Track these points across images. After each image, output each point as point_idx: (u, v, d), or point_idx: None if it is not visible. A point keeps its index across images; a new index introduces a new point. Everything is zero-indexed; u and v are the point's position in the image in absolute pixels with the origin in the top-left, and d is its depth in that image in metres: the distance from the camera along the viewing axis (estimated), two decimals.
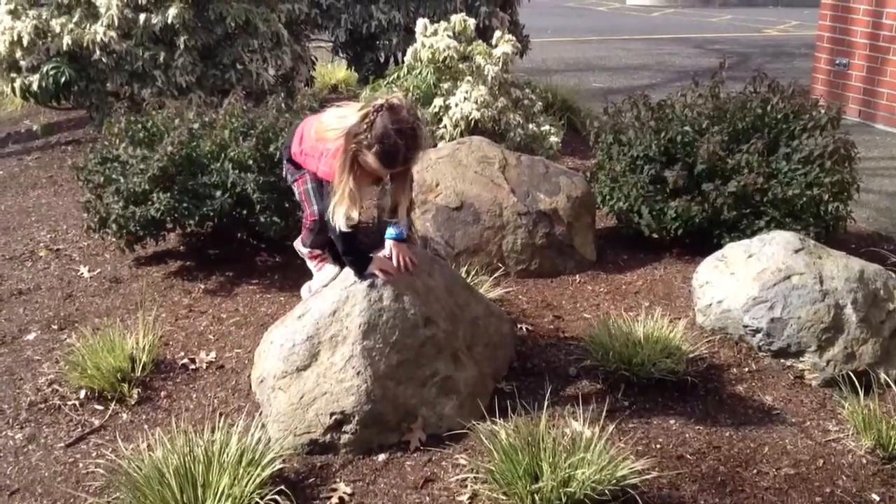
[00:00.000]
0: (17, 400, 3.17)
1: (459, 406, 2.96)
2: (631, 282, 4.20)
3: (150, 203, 3.98)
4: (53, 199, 5.46)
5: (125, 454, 2.66)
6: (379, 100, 2.67)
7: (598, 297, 4.03)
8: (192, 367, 3.38)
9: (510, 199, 4.21)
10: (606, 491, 2.47)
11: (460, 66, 5.49)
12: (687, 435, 2.96)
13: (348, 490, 2.65)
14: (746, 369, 3.37)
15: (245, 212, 4.14)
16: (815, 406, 3.17)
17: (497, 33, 5.77)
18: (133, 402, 3.13)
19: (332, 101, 3.07)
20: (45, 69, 5.83)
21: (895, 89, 7.35)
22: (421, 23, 5.60)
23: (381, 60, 7.78)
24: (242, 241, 4.50)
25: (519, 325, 3.65)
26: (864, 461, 2.86)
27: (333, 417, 2.81)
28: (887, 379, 3.25)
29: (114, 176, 4.10)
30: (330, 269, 3.19)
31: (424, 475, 2.72)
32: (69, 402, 3.13)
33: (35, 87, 5.88)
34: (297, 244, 3.34)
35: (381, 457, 2.82)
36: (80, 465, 2.80)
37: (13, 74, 6.02)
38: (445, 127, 5.30)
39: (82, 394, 3.15)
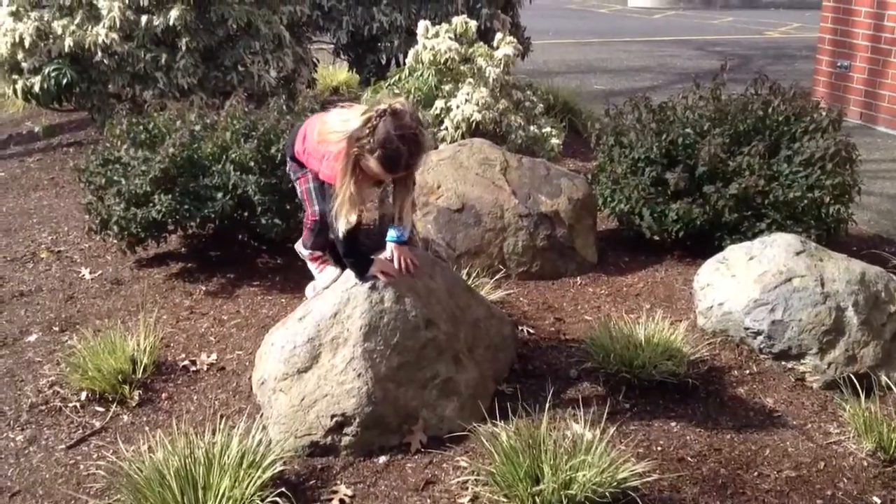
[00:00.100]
0: (18, 401, 3.17)
1: (460, 408, 2.95)
2: (632, 284, 4.20)
3: (151, 205, 3.99)
4: (55, 201, 5.46)
5: (126, 456, 2.67)
6: (382, 104, 2.65)
7: (600, 299, 4.03)
8: (193, 368, 3.38)
9: (511, 201, 4.21)
10: (607, 493, 2.47)
11: (461, 67, 5.49)
12: (688, 437, 2.96)
13: (349, 492, 2.65)
14: (747, 371, 3.37)
15: (246, 213, 4.14)
16: (816, 408, 3.17)
17: (498, 35, 5.78)
18: (134, 404, 3.13)
19: (333, 103, 3.06)
20: (46, 71, 5.84)
21: None
22: (422, 25, 5.60)
23: (383, 62, 7.78)
24: (243, 242, 4.50)
25: (520, 327, 3.65)
26: (865, 464, 2.86)
27: (334, 419, 2.81)
28: (888, 381, 3.25)
29: (115, 178, 4.10)
30: (331, 271, 3.19)
31: (425, 477, 2.72)
32: (70, 404, 3.13)
33: (37, 88, 5.89)
34: (298, 246, 3.34)
35: (382, 459, 2.82)
36: (81, 466, 2.80)
37: (15, 76, 6.02)
38: (447, 129, 5.30)
39: (83, 395, 3.15)
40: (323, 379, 2.86)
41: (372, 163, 2.67)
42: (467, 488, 2.63)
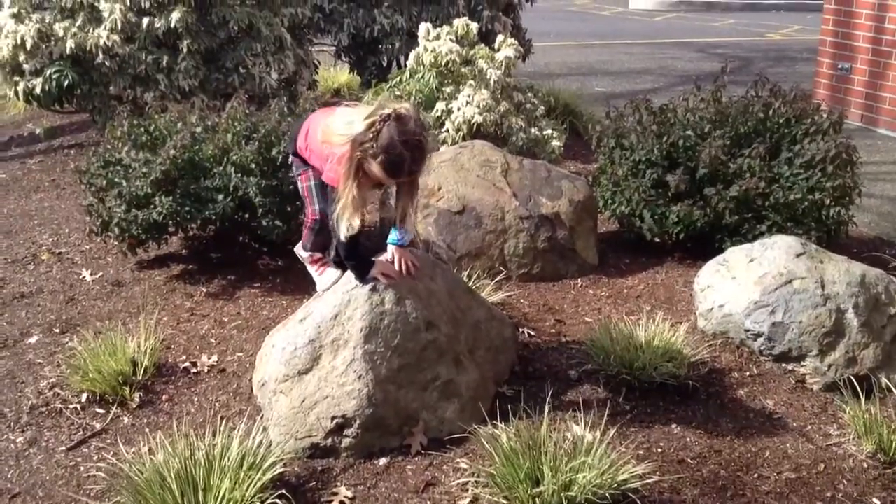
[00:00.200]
0: (19, 403, 3.17)
1: (461, 410, 2.96)
2: (632, 286, 4.20)
3: (152, 206, 3.99)
4: (56, 203, 5.47)
5: (126, 458, 2.67)
6: (386, 109, 2.63)
7: (600, 301, 4.03)
8: (194, 370, 3.38)
9: (512, 202, 4.21)
10: (607, 495, 2.47)
11: (463, 70, 5.50)
12: (688, 439, 2.96)
13: (349, 494, 2.65)
14: (748, 373, 3.37)
15: (247, 215, 4.14)
16: (817, 410, 3.17)
17: (499, 37, 5.78)
18: (134, 406, 3.13)
19: (334, 105, 3.06)
20: (48, 73, 5.85)
21: None
22: (423, 27, 5.60)
23: (384, 64, 7.78)
24: (244, 244, 4.50)
25: (521, 329, 3.65)
26: (865, 465, 2.86)
27: (335, 421, 2.81)
28: (888, 383, 3.25)
29: (116, 179, 4.11)
30: (331, 273, 3.19)
31: (425, 479, 2.72)
32: (70, 406, 3.13)
33: (38, 90, 5.90)
34: (298, 249, 3.34)
35: (383, 461, 2.82)
36: (82, 468, 2.80)
37: (16, 78, 6.03)
38: (448, 131, 5.31)
39: (84, 397, 3.15)
40: (323, 381, 2.86)
41: (375, 167, 2.66)
42: (467, 490, 2.64)
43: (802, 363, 3.33)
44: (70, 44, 5.78)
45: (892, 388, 3.23)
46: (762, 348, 3.41)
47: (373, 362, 2.85)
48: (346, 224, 2.73)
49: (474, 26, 5.69)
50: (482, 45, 5.70)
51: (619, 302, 4.01)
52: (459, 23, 5.65)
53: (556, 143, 5.53)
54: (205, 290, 4.10)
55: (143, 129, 4.37)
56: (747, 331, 3.44)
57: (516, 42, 5.78)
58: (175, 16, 5.78)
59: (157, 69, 5.92)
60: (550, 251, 4.23)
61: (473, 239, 4.16)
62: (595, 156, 5.10)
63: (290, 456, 2.80)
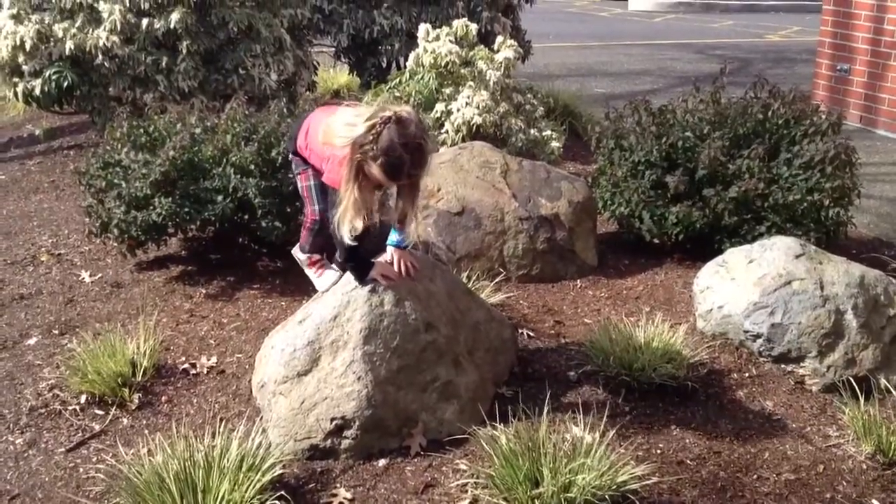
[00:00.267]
0: (18, 405, 3.17)
1: (460, 411, 2.96)
2: (632, 287, 4.20)
3: (151, 208, 3.99)
4: (55, 204, 5.47)
5: (126, 459, 2.66)
6: (387, 111, 2.62)
7: (599, 302, 4.03)
8: (193, 371, 3.38)
9: (511, 204, 4.21)
10: (607, 496, 2.47)
11: (462, 71, 5.50)
12: (687, 440, 2.96)
13: (349, 495, 2.65)
14: (747, 374, 3.37)
15: (246, 216, 4.14)
16: (816, 411, 3.17)
17: (499, 38, 5.78)
18: (134, 407, 3.13)
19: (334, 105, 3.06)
20: (47, 74, 5.84)
21: None
22: (423, 28, 5.61)
23: (384, 65, 7.78)
24: (244, 245, 4.50)
25: (520, 330, 3.65)
26: (865, 467, 2.86)
27: (334, 423, 2.81)
28: (888, 384, 3.25)
29: (115, 181, 4.11)
30: (330, 274, 3.19)
31: (425, 480, 2.72)
32: (70, 407, 3.13)
33: (37, 91, 5.89)
34: (296, 252, 3.34)
35: (382, 462, 2.82)
36: (81, 470, 2.80)
37: (16, 79, 6.03)
38: (447, 132, 5.31)
39: (83, 399, 3.15)
40: (323, 382, 2.86)
41: (375, 170, 2.66)
42: (467, 491, 2.64)
43: (801, 364, 3.33)
44: (69, 45, 5.78)
45: (892, 390, 3.23)
46: (761, 349, 3.41)
47: (372, 363, 2.85)
48: (349, 226, 2.73)
49: (474, 27, 5.70)
50: (481, 47, 5.70)
51: (619, 303, 4.02)
52: (459, 24, 5.66)
53: (555, 144, 5.54)
54: (204, 291, 4.10)
55: (142, 131, 4.37)
56: (746, 332, 3.44)
57: (515, 43, 5.78)
58: (174, 17, 5.78)
59: (156, 70, 5.92)
60: (550, 252, 4.23)
61: (473, 240, 4.16)
62: (594, 157, 5.10)
63: (290, 457, 2.80)
